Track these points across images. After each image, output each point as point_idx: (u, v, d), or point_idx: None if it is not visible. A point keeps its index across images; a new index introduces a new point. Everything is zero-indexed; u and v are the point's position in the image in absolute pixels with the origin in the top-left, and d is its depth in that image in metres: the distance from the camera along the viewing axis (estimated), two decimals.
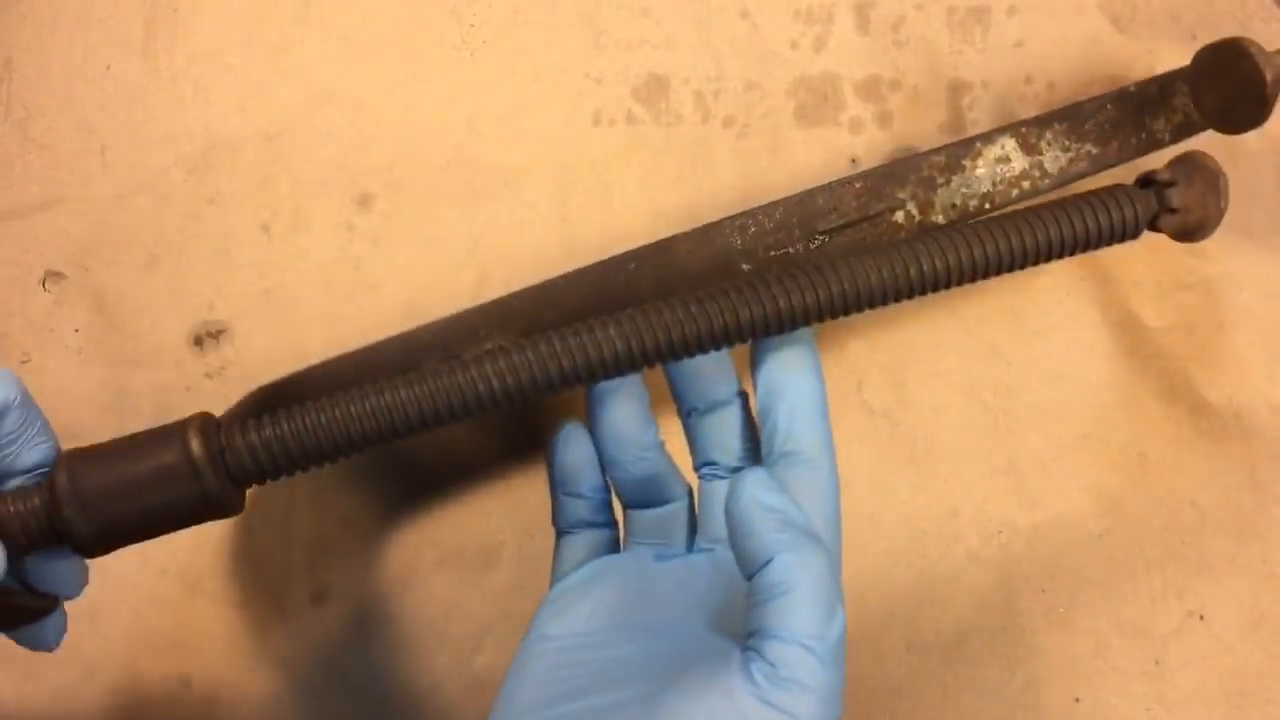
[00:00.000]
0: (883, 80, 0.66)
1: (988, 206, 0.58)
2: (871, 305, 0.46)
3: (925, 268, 0.45)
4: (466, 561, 0.63)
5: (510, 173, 0.64)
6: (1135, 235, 0.48)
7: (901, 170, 0.59)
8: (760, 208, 0.58)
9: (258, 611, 0.62)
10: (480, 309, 0.57)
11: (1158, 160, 0.55)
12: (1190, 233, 0.48)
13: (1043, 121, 0.59)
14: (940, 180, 0.58)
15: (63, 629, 0.47)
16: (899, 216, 0.58)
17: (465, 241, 0.64)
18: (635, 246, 0.57)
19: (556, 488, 0.52)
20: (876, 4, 0.66)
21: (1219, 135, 0.65)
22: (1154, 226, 0.49)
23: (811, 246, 0.58)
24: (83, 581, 0.47)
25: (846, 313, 0.45)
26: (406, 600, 0.62)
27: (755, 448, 0.50)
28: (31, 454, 0.43)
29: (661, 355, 0.44)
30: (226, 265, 0.63)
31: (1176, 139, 0.58)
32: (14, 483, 0.44)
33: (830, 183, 0.58)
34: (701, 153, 0.65)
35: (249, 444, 0.42)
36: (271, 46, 0.65)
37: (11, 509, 0.41)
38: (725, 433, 0.50)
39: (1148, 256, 0.65)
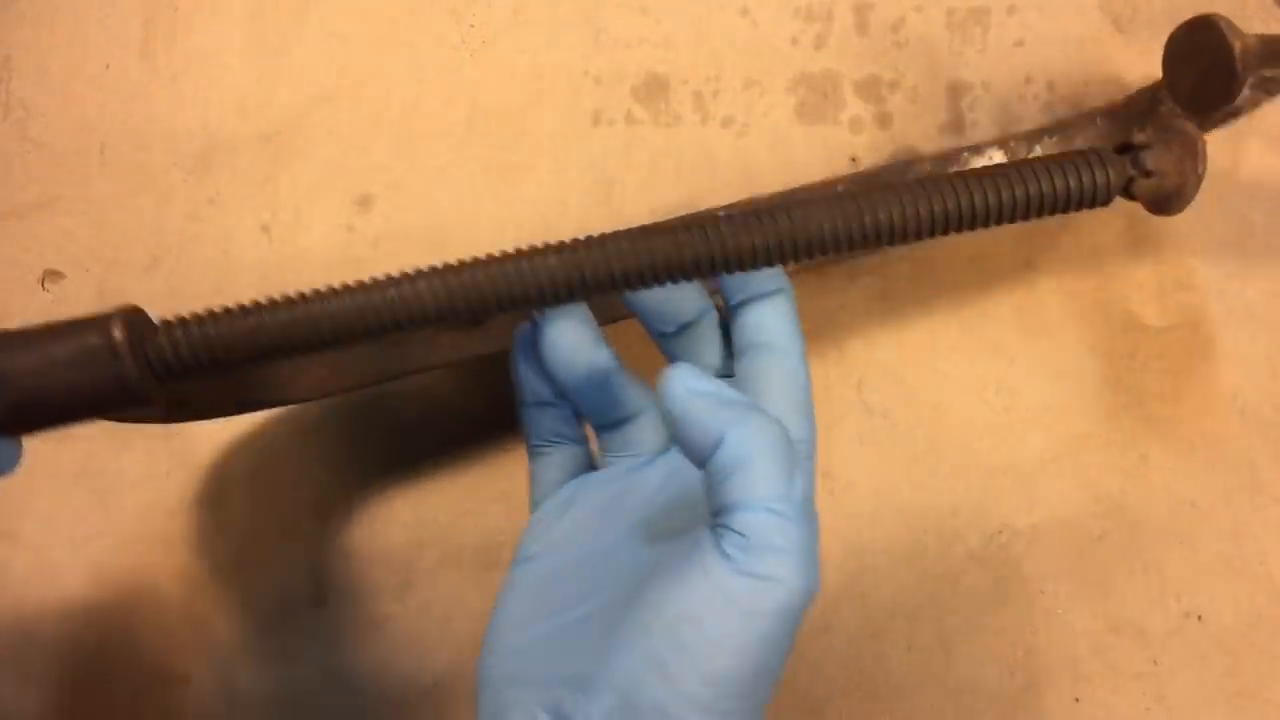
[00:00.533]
0: (882, 81, 0.66)
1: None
2: (824, 252, 0.44)
3: (883, 217, 0.43)
4: (466, 561, 0.63)
5: (510, 172, 0.64)
6: (1107, 200, 0.46)
7: (885, 177, 0.58)
8: (740, 203, 0.58)
9: (258, 611, 0.62)
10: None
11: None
12: (1166, 199, 0.45)
13: (1032, 136, 0.58)
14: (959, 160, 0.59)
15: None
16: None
17: (465, 241, 0.64)
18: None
19: (523, 403, 0.51)
20: (876, 5, 0.66)
21: (1220, 135, 0.65)
22: (1129, 194, 0.47)
23: None
24: (15, 458, 0.44)
25: (797, 258, 0.44)
26: (406, 600, 0.62)
27: (729, 358, 0.49)
28: None
29: (605, 286, 0.43)
30: (226, 265, 0.63)
31: (1201, 126, 0.57)
32: None
33: (815, 184, 0.58)
34: (701, 152, 0.65)
35: (172, 337, 0.42)
36: (271, 46, 0.65)
37: None
38: (701, 348, 0.48)
39: (1149, 257, 0.65)
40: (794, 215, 0.43)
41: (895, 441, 0.64)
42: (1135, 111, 0.58)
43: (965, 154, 0.58)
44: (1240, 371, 0.64)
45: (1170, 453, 0.63)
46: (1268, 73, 0.53)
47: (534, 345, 0.49)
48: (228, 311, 0.42)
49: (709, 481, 0.38)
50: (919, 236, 0.44)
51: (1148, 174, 0.45)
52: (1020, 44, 0.66)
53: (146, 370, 0.42)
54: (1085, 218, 0.65)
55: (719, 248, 0.42)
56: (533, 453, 0.51)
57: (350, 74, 0.65)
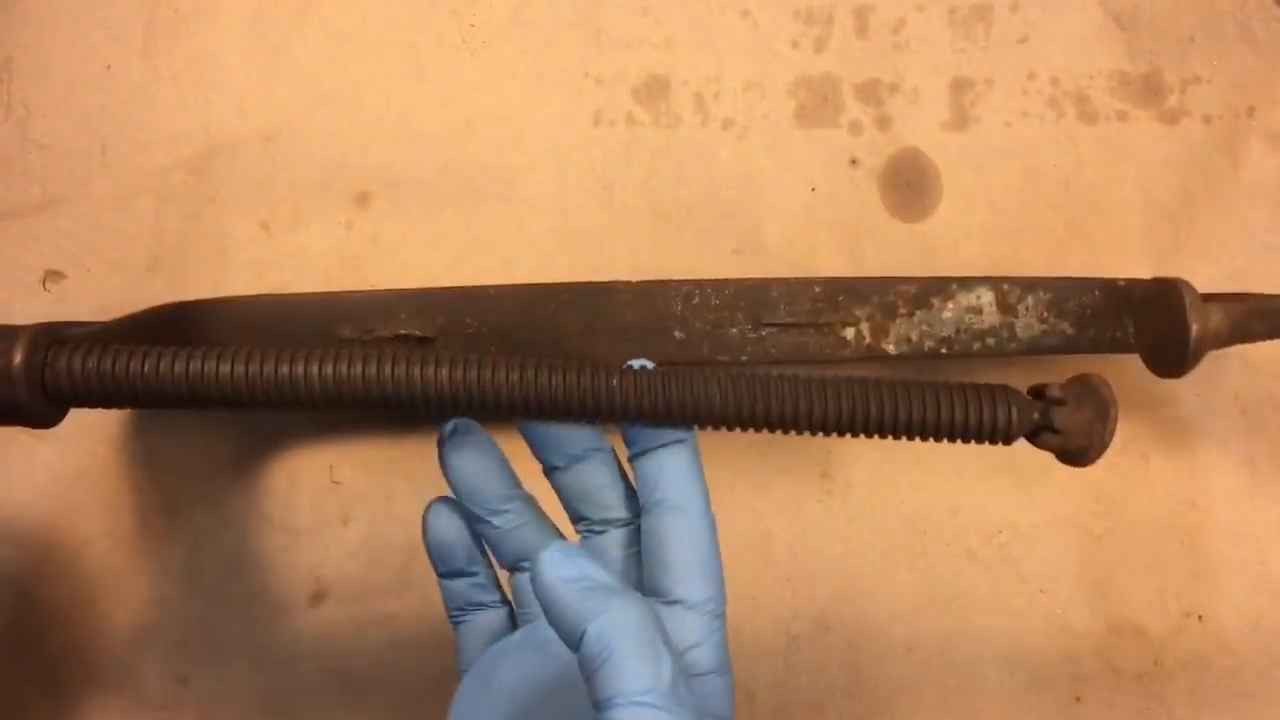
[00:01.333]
0: (882, 83, 0.66)
1: (944, 351, 0.57)
2: (713, 424, 0.44)
3: (775, 408, 0.43)
4: None
5: (510, 172, 0.64)
6: (1008, 441, 0.46)
7: (866, 288, 0.57)
8: (711, 281, 0.57)
9: (258, 611, 0.62)
10: (406, 293, 0.57)
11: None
12: (1072, 456, 0.46)
13: (1027, 284, 0.57)
14: (903, 310, 0.57)
15: None
16: (849, 333, 0.57)
17: (464, 240, 0.64)
18: (574, 281, 0.57)
19: (438, 574, 0.51)
20: (876, 7, 0.66)
21: (1220, 133, 0.65)
22: (1035, 440, 0.47)
23: (751, 335, 0.57)
24: None
25: (684, 424, 0.45)
26: (406, 600, 0.62)
27: (629, 499, 0.48)
28: None
29: (486, 407, 0.44)
30: (226, 264, 0.63)
31: (1155, 370, 0.57)
32: None
33: (789, 278, 0.57)
34: (701, 154, 0.65)
35: (71, 367, 0.42)
36: (271, 46, 0.65)
37: None
38: (592, 485, 0.48)
39: (1152, 256, 0.65)
40: (689, 384, 0.43)
41: (896, 443, 0.64)
42: (1131, 298, 0.57)
43: (953, 286, 0.57)
44: (1245, 369, 0.64)
45: (1170, 453, 0.63)
46: (1249, 330, 0.54)
47: (447, 479, 0.49)
48: (137, 350, 0.43)
49: (581, 670, 0.38)
50: (810, 431, 0.45)
51: (1055, 431, 0.45)
52: (1023, 40, 0.66)
53: (39, 396, 0.42)
54: (1084, 220, 0.65)
55: (605, 397, 0.43)
56: (453, 621, 0.51)
57: (350, 74, 0.65)
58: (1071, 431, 0.45)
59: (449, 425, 0.48)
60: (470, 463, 0.48)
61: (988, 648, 0.62)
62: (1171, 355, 0.52)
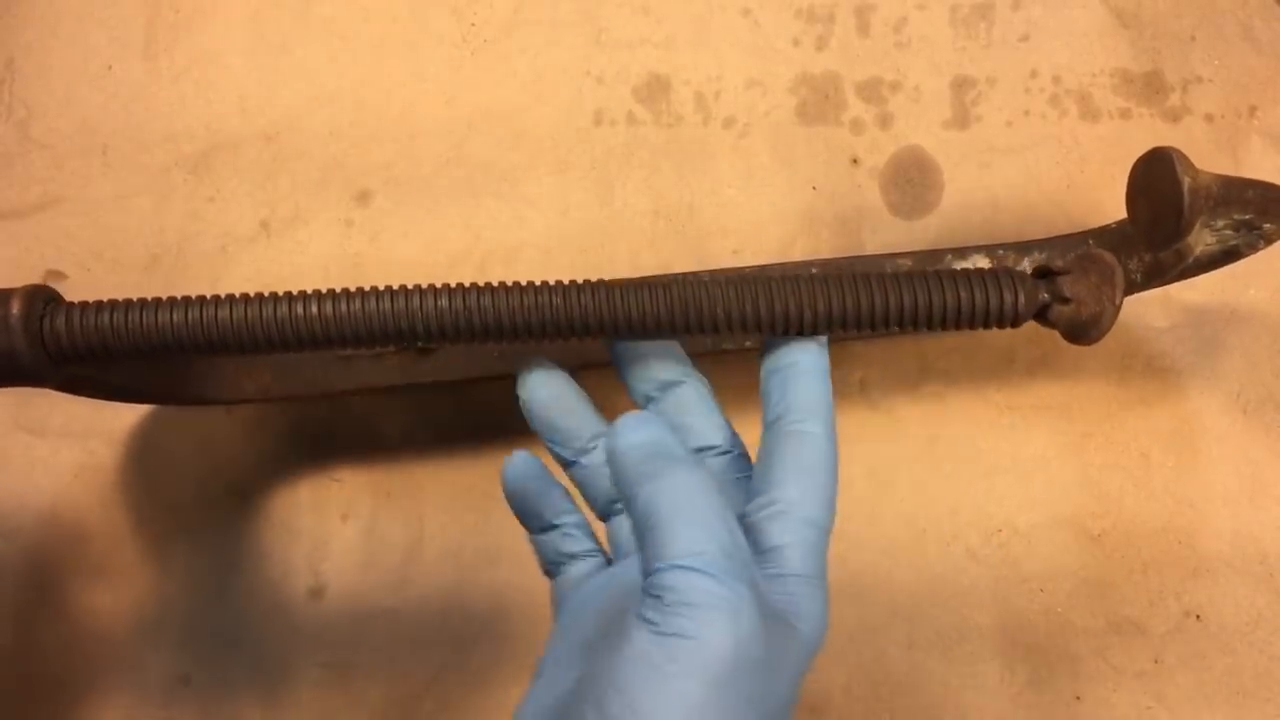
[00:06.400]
0: (884, 81, 0.65)
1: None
2: (717, 330, 0.44)
3: (779, 308, 0.43)
4: (466, 560, 0.63)
5: (510, 171, 0.64)
6: (1016, 320, 0.45)
7: (862, 266, 0.57)
8: (709, 271, 0.57)
9: (258, 608, 0.63)
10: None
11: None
12: (1083, 327, 0.45)
13: (1021, 248, 0.57)
14: None
15: None
16: None
17: (465, 238, 0.64)
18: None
19: (529, 531, 0.49)
20: (878, 6, 0.66)
21: (1222, 132, 0.65)
22: (1046, 319, 0.46)
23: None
24: None
25: (689, 331, 0.44)
26: (405, 596, 0.63)
27: (727, 429, 0.47)
28: None
29: (476, 332, 0.43)
30: (226, 264, 0.63)
31: (1148, 283, 0.56)
32: None
33: (786, 263, 0.57)
34: (702, 152, 0.65)
35: (70, 319, 0.42)
36: (271, 46, 0.65)
37: None
38: (686, 412, 0.47)
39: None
40: (693, 290, 0.43)
41: (897, 439, 0.64)
42: (1123, 235, 0.57)
43: (948, 256, 0.57)
44: (1241, 371, 0.64)
45: (1170, 453, 0.63)
46: (1238, 215, 0.52)
47: (532, 424, 0.47)
48: (133, 302, 0.43)
49: (635, 541, 0.37)
50: (826, 330, 0.44)
51: (1065, 300, 0.45)
52: (1025, 39, 0.66)
53: (40, 350, 0.42)
54: (1086, 218, 0.64)
55: (607, 310, 0.43)
56: (548, 574, 0.50)
57: (351, 74, 0.65)
58: (1082, 298, 0.45)
59: (528, 363, 0.47)
60: (553, 400, 0.47)
61: (988, 647, 0.62)
62: (1169, 220, 0.50)
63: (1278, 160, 0.64)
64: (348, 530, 0.63)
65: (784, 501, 0.41)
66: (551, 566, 0.49)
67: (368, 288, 0.43)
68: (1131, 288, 0.56)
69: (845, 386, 0.64)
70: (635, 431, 0.38)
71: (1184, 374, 0.64)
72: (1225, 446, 0.63)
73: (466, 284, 0.44)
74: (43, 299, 0.43)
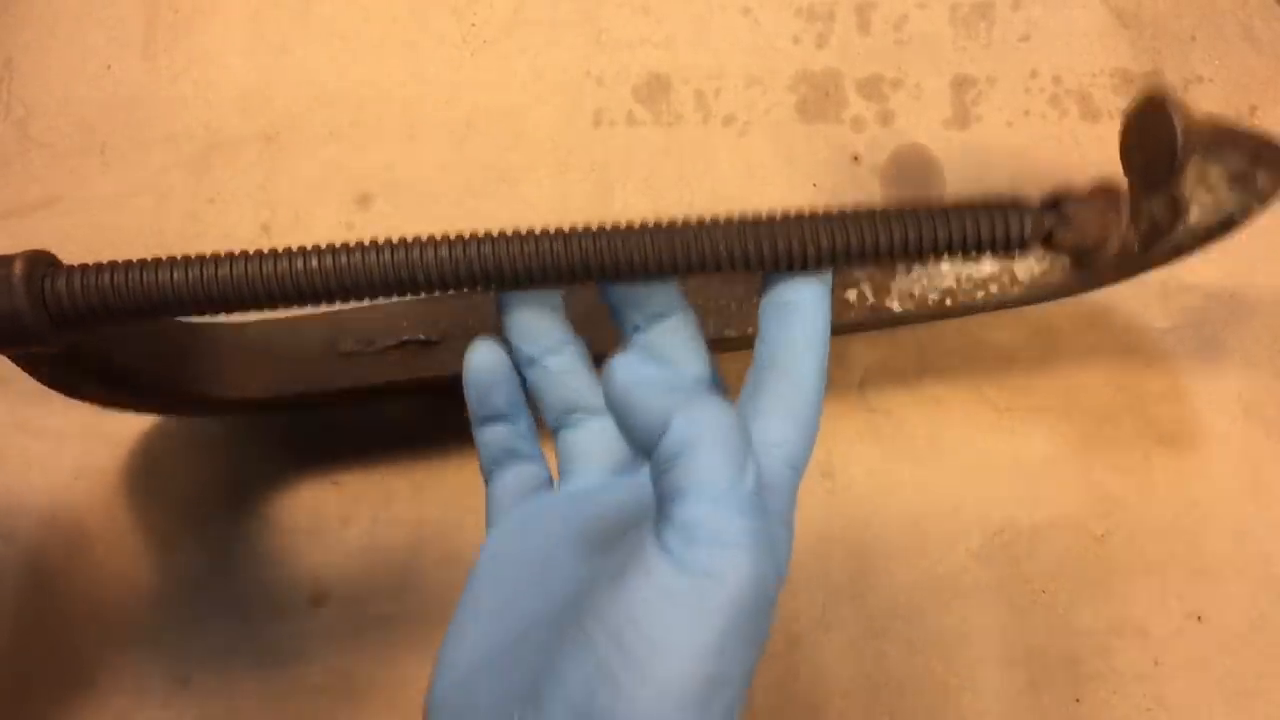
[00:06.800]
0: (884, 79, 0.65)
1: (948, 303, 0.57)
2: (719, 268, 0.44)
3: (782, 246, 0.43)
4: (466, 560, 0.63)
5: (510, 172, 0.64)
6: (1023, 244, 0.45)
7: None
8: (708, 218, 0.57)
9: (257, 611, 0.63)
10: (406, 302, 0.57)
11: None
12: (1089, 251, 0.45)
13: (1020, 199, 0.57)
14: (901, 267, 0.57)
15: None
16: (851, 295, 0.57)
17: None
18: None
19: (475, 420, 0.48)
20: (878, 3, 0.65)
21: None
22: (1051, 242, 0.46)
23: (751, 304, 0.56)
24: None
25: (691, 271, 0.44)
26: (406, 601, 0.62)
27: (708, 361, 0.46)
28: None
29: (506, 279, 0.43)
30: None
31: (1148, 250, 0.54)
32: None
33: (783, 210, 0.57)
34: (702, 152, 0.65)
35: (71, 280, 0.42)
36: (271, 46, 0.65)
37: None
38: (672, 344, 0.45)
39: None
40: (697, 231, 0.43)
41: (897, 439, 0.64)
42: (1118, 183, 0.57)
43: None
44: (1242, 371, 0.64)
45: (1171, 453, 0.63)
46: (1232, 164, 0.52)
47: (503, 329, 0.47)
48: (133, 262, 0.42)
49: (654, 473, 0.36)
50: (831, 265, 0.44)
51: (1070, 223, 0.45)
52: (1025, 39, 0.66)
53: (41, 311, 0.42)
54: None
55: (608, 254, 0.43)
56: (486, 473, 0.49)
57: (350, 74, 0.65)
58: (1088, 220, 0.44)
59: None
60: (529, 304, 0.46)
61: (988, 648, 0.62)
62: (1163, 160, 0.50)
63: None
64: (348, 534, 0.63)
65: (770, 442, 0.40)
66: (493, 466, 0.48)
67: (367, 241, 0.43)
68: (1131, 263, 0.55)
69: (845, 387, 0.64)
70: (641, 367, 0.37)
71: (1184, 375, 0.64)
72: (1226, 447, 0.63)
73: (466, 234, 0.43)
74: (44, 262, 0.43)
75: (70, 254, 0.63)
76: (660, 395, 0.36)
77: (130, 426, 0.63)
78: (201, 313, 0.43)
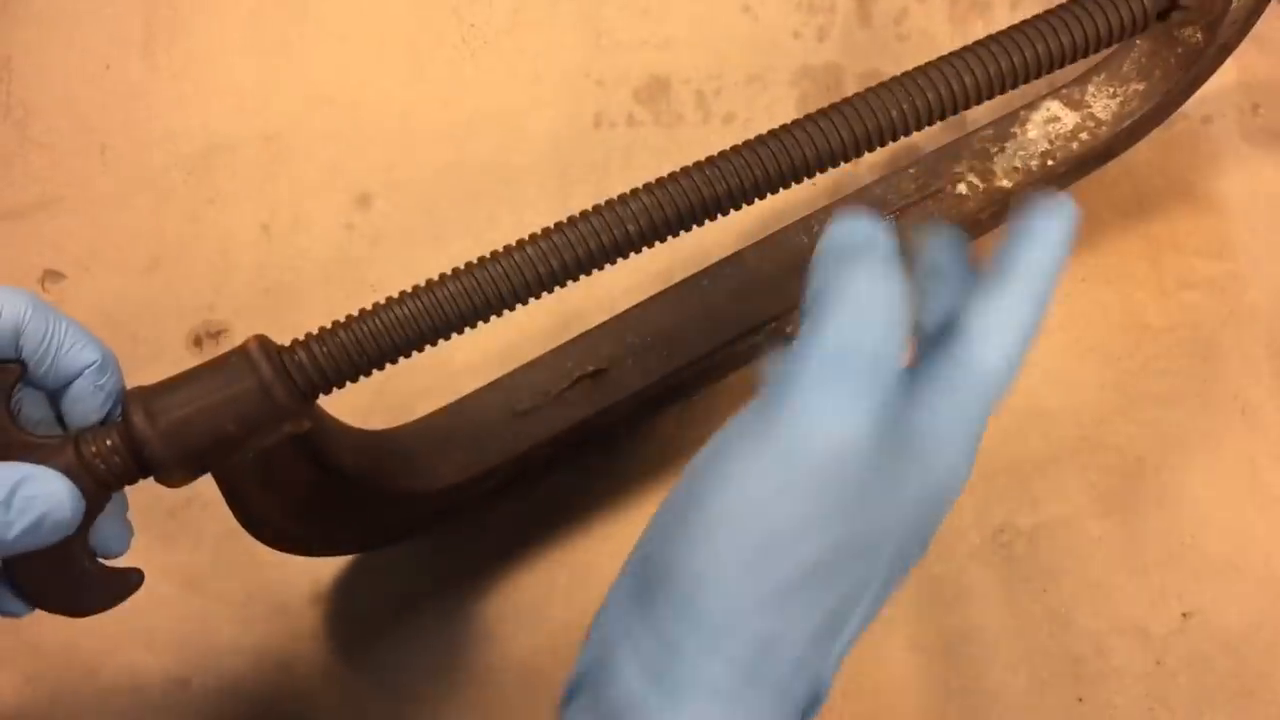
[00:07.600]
0: (884, 74, 0.65)
1: (1050, 163, 0.60)
2: (893, 138, 0.47)
3: (943, 92, 0.46)
4: (468, 564, 0.63)
5: (511, 173, 0.64)
6: (1147, 23, 0.47)
7: (953, 149, 0.61)
8: (819, 210, 0.60)
9: (258, 611, 0.62)
10: (568, 345, 0.58)
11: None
12: (1218, 13, 0.47)
13: (1081, 80, 0.60)
14: (994, 150, 0.61)
15: None
16: (962, 188, 0.60)
17: (465, 241, 0.63)
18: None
19: None
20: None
21: (1224, 127, 0.65)
22: (1167, 16, 0.48)
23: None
24: (130, 537, 0.46)
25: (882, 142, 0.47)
26: (406, 604, 0.62)
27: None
28: (73, 359, 0.42)
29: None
30: (226, 266, 0.63)
31: (1210, 39, 0.55)
32: (72, 389, 0.42)
33: (884, 175, 0.60)
34: (703, 152, 0.64)
35: (311, 356, 0.43)
36: (271, 46, 0.65)
37: (92, 448, 0.41)
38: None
39: (1152, 256, 0.64)
40: (864, 103, 0.46)
41: None
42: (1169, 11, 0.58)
43: (1022, 111, 0.61)
44: (1246, 368, 0.64)
45: (1171, 453, 0.63)
46: None
47: None
48: (350, 319, 0.44)
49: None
50: (981, 100, 0.47)
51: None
52: None
53: (297, 396, 0.42)
54: (1082, 217, 0.64)
55: (811, 148, 0.46)
56: None
57: (350, 74, 0.65)
58: None
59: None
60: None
61: (989, 648, 0.62)
62: None
63: (1278, 160, 0.64)
64: None
65: (989, 342, 0.37)
66: None
67: (566, 218, 0.47)
68: (1198, 50, 0.56)
69: None
70: (843, 223, 0.36)
71: (1182, 374, 0.64)
72: (1225, 447, 0.63)
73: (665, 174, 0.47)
74: (274, 349, 0.43)
75: (70, 254, 0.63)
76: (833, 260, 0.35)
77: None
78: (441, 337, 0.44)
